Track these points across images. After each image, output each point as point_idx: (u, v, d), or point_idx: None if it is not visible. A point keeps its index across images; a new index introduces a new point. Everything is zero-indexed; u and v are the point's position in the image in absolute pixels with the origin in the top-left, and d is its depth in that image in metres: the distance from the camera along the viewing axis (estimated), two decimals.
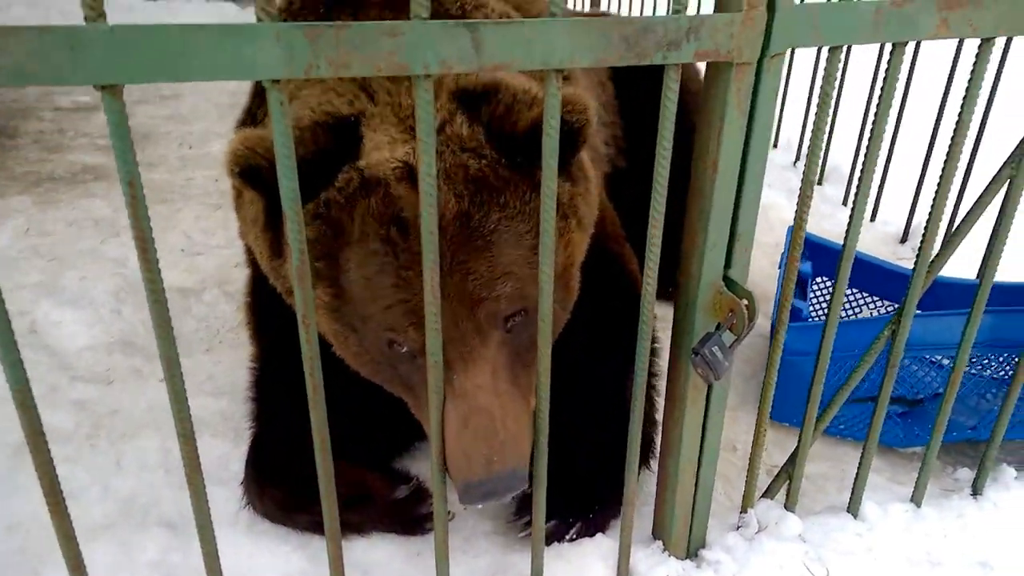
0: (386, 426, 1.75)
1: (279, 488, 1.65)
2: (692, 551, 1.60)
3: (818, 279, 2.57)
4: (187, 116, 4.79)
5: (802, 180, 1.34)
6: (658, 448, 1.60)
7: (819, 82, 3.88)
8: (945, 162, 1.42)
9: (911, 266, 1.55)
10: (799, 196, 1.35)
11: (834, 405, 1.68)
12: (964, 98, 1.37)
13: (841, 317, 1.79)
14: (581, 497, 1.67)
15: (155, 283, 1.01)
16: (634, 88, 2.54)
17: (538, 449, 1.29)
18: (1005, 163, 1.48)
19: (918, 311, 1.60)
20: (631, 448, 1.39)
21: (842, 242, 1.46)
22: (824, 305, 2.58)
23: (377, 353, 1.35)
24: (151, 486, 1.80)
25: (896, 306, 1.72)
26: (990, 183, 1.50)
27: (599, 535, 1.63)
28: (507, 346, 1.31)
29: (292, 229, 1.01)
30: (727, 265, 1.33)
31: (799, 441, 1.66)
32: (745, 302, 1.28)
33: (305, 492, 1.52)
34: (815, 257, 2.48)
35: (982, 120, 2.97)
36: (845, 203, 3.71)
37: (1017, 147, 1.47)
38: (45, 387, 2.16)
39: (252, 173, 1.20)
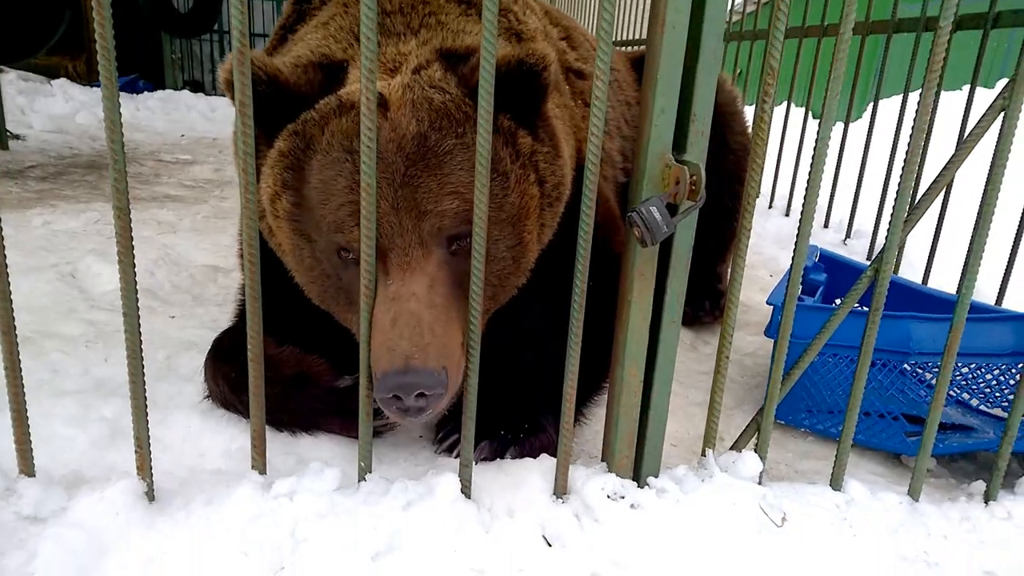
0: (337, 349, 1.73)
1: (229, 368, 1.67)
2: (639, 478, 1.49)
3: (837, 300, 2.47)
4: None
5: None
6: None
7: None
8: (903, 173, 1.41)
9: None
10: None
11: (810, 351, 1.58)
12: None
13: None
14: (518, 420, 1.61)
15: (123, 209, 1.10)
16: None
17: (471, 363, 1.32)
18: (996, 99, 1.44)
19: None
20: (571, 344, 1.35)
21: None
22: None
23: (327, 263, 1.42)
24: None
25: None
26: (978, 122, 1.46)
27: (543, 455, 1.54)
28: (448, 267, 1.36)
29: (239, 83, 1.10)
30: (681, 148, 1.34)
31: (768, 382, 1.56)
32: (692, 176, 1.27)
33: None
34: (832, 272, 2.40)
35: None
36: (870, 258, 3.68)
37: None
38: (65, 308, 2.35)
39: None
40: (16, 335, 1.24)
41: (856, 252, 4.03)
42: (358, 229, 1.30)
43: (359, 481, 1.41)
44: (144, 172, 5.15)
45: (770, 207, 4.79)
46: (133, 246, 1.23)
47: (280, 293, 1.65)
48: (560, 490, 1.44)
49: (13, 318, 1.22)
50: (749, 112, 2.40)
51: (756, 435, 1.59)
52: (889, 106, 4.26)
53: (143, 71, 10.93)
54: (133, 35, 10.77)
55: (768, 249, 4.14)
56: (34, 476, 1.28)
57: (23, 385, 1.24)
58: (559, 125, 1.56)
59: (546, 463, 1.50)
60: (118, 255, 1.22)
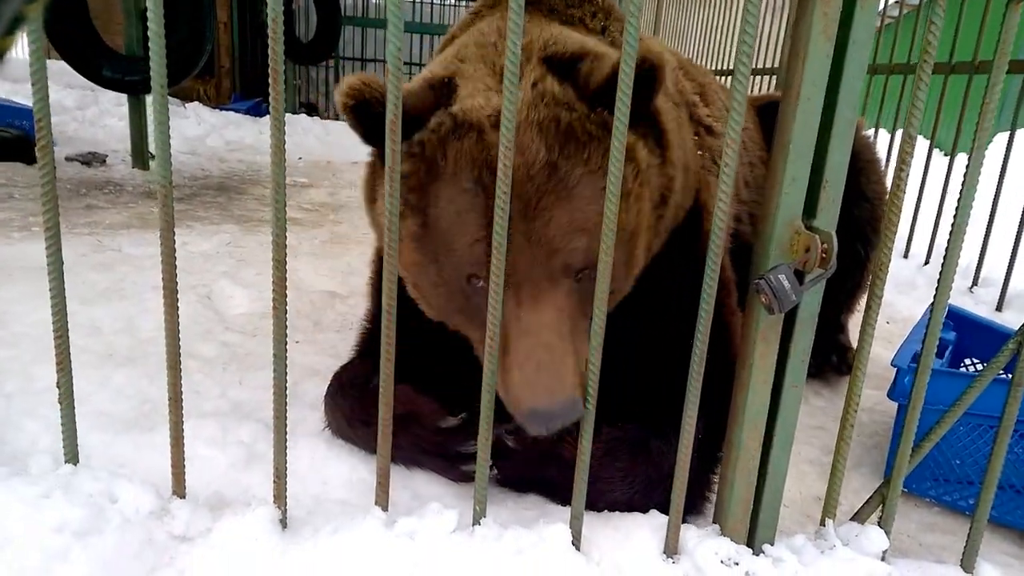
0: (453, 376, 1.76)
1: (347, 402, 1.76)
2: (754, 544, 1.46)
3: (966, 360, 2.34)
4: None
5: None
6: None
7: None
8: None
9: None
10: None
11: (944, 423, 1.51)
12: None
13: None
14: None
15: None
16: None
17: (589, 397, 1.34)
18: None
19: None
20: (689, 399, 1.35)
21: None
22: None
23: (454, 284, 1.44)
24: (260, 400, 2.00)
25: None
26: None
27: (653, 511, 1.54)
28: (574, 295, 1.38)
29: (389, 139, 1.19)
30: (811, 213, 1.32)
31: (896, 454, 1.50)
32: (823, 244, 1.26)
33: (368, 408, 1.63)
34: (962, 331, 2.28)
35: None
36: (1000, 308, 3.45)
37: None
38: (202, 329, 2.52)
39: (362, 108, 1.36)
40: (180, 368, 1.36)
41: (984, 301, 3.80)
42: (483, 245, 1.34)
43: (473, 525, 1.46)
44: (267, 195, 5.48)
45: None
46: (285, 311, 1.33)
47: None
48: (671, 550, 1.43)
49: (179, 355, 1.34)
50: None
51: (881, 507, 1.53)
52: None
53: (266, 95, 11.64)
54: (259, 63, 11.52)
55: (885, 293, 3.95)
56: (184, 497, 1.39)
57: (183, 413, 1.36)
58: (671, 127, 1.54)
59: (656, 519, 1.50)
60: (273, 312, 1.32)
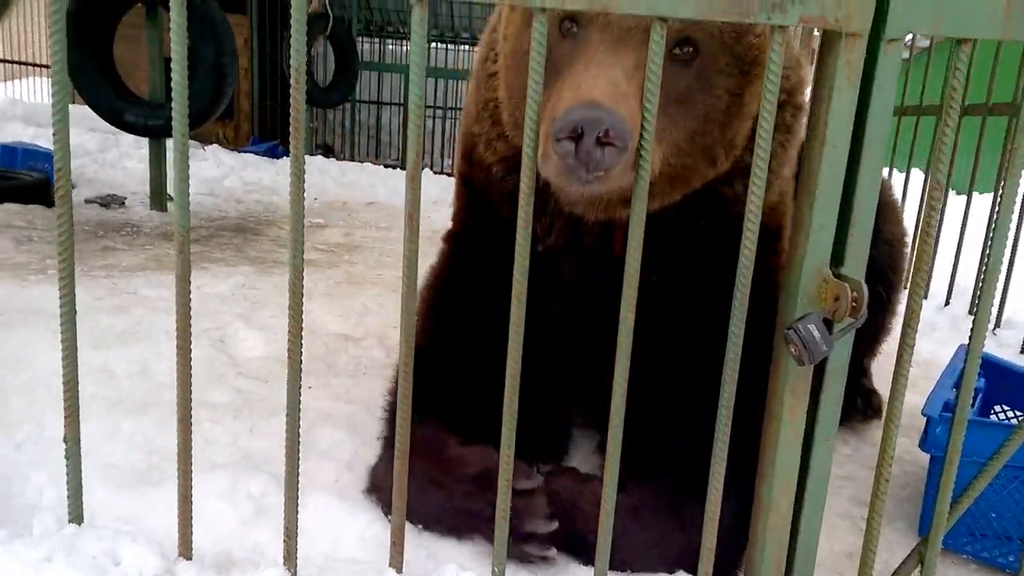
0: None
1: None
2: None
3: (996, 407, 2.26)
4: (388, 235, 5.88)
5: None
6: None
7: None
8: None
9: None
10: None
11: (984, 477, 1.44)
12: None
13: None
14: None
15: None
16: None
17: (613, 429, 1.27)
18: None
19: None
20: (716, 452, 1.30)
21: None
22: None
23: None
24: (272, 450, 1.95)
25: None
26: None
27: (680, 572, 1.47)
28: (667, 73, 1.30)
29: None
30: (839, 261, 1.28)
31: (933, 510, 1.43)
32: (853, 293, 1.21)
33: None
34: (991, 376, 2.21)
35: None
36: None
37: None
38: (215, 374, 2.50)
39: None
40: (191, 423, 1.33)
41: (1008, 344, 3.72)
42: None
43: None
44: (283, 236, 5.51)
45: (905, 286, 4.48)
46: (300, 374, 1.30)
47: (462, 379, 1.68)
48: None
49: (191, 413, 1.31)
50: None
51: (919, 568, 1.45)
52: None
53: (283, 138, 11.84)
54: (278, 107, 11.74)
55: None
56: (191, 559, 1.35)
57: (192, 470, 1.32)
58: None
59: None
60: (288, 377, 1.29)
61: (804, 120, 1.63)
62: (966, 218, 4.06)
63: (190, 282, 1.28)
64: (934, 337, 3.81)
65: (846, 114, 1.20)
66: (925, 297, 4.35)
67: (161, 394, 2.27)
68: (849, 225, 1.26)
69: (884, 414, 1.41)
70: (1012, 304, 3.78)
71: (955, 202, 4.52)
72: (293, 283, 1.24)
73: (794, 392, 1.33)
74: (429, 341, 1.80)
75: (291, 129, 1.20)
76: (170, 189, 6.46)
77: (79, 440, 1.32)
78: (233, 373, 2.53)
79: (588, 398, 1.91)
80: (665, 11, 1.13)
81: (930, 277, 4.35)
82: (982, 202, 4.24)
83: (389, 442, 1.79)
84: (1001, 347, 3.66)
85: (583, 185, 1.28)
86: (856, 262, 1.28)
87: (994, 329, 3.82)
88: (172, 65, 1.18)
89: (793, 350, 1.23)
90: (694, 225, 1.66)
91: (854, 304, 1.22)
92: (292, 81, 1.17)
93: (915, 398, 3.05)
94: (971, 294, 4.03)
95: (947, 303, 4.20)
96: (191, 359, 1.31)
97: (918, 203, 4.35)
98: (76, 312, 1.33)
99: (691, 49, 1.41)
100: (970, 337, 1.40)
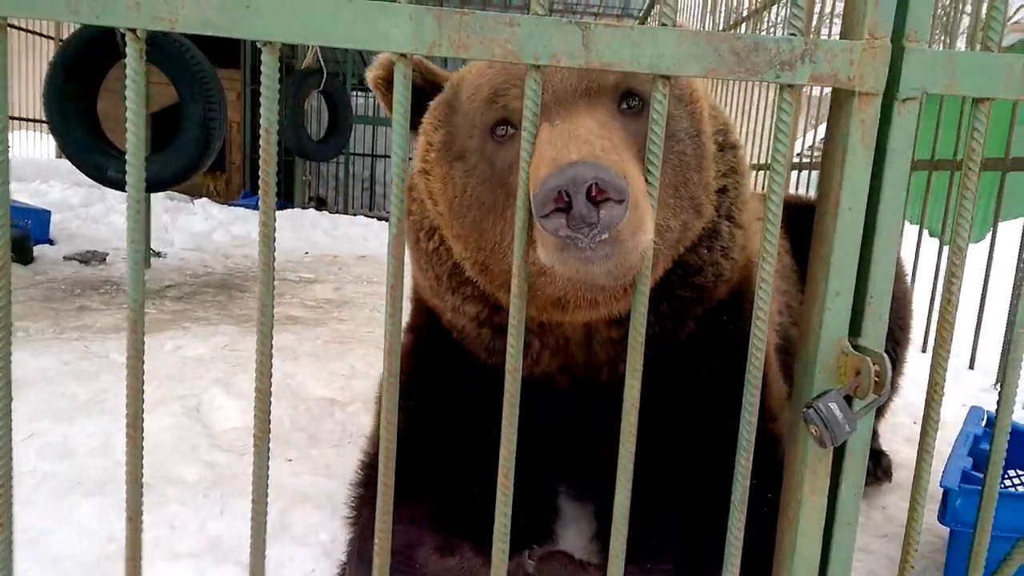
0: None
1: None
2: None
3: (1010, 472, 2.14)
4: (379, 289, 5.66)
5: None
6: None
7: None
8: None
9: None
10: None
11: (1017, 556, 1.32)
12: None
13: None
14: None
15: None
16: None
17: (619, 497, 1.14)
18: None
19: None
20: (734, 516, 1.17)
21: None
22: None
23: (481, 162, 1.38)
24: (240, 535, 1.80)
25: None
26: None
27: None
28: (618, 122, 1.26)
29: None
30: (857, 332, 1.18)
31: None
32: (875, 366, 1.11)
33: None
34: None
35: None
36: None
37: None
38: (187, 447, 2.35)
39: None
40: (142, 515, 1.19)
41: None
42: (514, 89, 1.31)
43: None
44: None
45: (924, 349, 4.35)
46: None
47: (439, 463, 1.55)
48: None
49: (142, 513, 1.18)
50: None
51: None
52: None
53: (277, 190, 11.82)
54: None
55: (908, 391, 3.74)
56: None
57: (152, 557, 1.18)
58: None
59: None
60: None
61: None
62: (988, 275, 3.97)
63: (143, 362, 1.15)
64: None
65: (861, 176, 1.11)
66: (924, 351, 4.26)
67: (122, 472, 2.11)
68: (866, 292, 1.17)
69: (908, 497, 1.29)
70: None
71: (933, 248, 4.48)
72: (260, 370, 1.12)
73: (814, 473, 1.21)
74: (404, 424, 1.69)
75: (260, 194, 1.10)
76: (154, 244, 6.37)
77: (11, 553, 1.17)
78: (207, 445, 2.38)
79: (573, 466, 1.80)
80: (668, 70, 1.05)
81: (927, 329, 4.27)
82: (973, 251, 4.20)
83: (356, 534, 1.61)
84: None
85: (590, 259, 1.07)
86: (876, 333, 1.18)
87: (996, 383, 3.71)
88: (127, 126, 1.08)
89: (814, 431, 1.12)
90: (672, 302, 1.57)
91: (877, 379, 1.12)
92: (262, 143, 1.07)
93: None
94: (971, 346, 3.94)
95: (924, 350, 4.12)
96: (142, 448, 1.17)
97: (915, 257, 4.30)
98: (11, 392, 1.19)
99: (637, 100, 1.36)
100: (996, 411, 1.30)
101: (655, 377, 1.43)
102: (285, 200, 11.54)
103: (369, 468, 1.74)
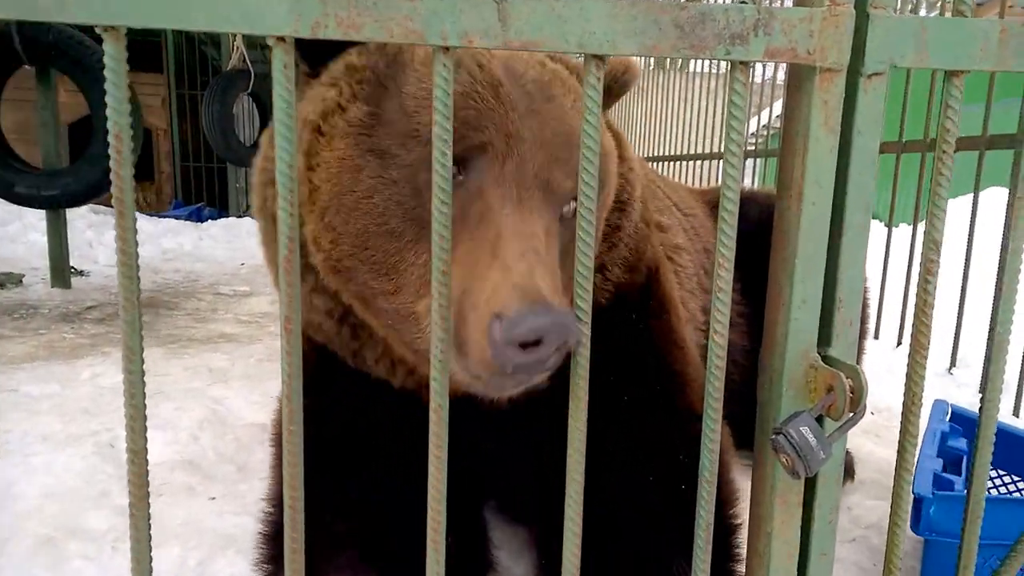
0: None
1: None
2: None
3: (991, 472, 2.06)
4: None
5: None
6: None
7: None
8: None
9: None
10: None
11: (1013, 563, 1.21)
12: None
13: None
14: None
15: (128, 247, 0.90)
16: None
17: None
18: None
19: None
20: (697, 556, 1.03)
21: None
22: None
23: (406, 184, 1.17)
24: None
25: None
26: None
27: None
28: (556, 233, 1.22)
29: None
30: (826, 342, 1.04)
31: None
32: (850, 381, 0.97)
33: None
34: (971, 435, 2.00)
35: None
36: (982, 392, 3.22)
37: None
38: (96, 492, 2.11)
39: None
40: None
41: (965, 384, 3.58)
42: (480, 134, 1.15)
43: None
44: (201, 308, 5.09)
45: (875, 336, 4.28)
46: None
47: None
48: None
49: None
50: None
51: None
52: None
53: (209, 199, 11.36)
54: (202, 168, 11.29)
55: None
56: None
57: None
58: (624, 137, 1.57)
59: None
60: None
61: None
62: (912, 252, 3.95)
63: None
64: (891, 382, 3.64)
65: (827, 164, 0.97)
66: (876, 338, 4.23)
67: (23, 525, 1.88)
68: (835, 298, 1.03)
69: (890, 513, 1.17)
70: (965, 345, 3.66)
71: (902, 234, 4.47)
72: (131, 425, 0.93)
73: (785, 503, 1.08)
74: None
75: (116, 217, 0.90)
76: (76, 262, 5.98)
77: None
78: (119, 488, 2.13)
79: (496, 479, 1.66)
80: (600, 48, 0.89)
81: (880, 316, 4.24)
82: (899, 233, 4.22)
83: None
84: (960, 387, 3.53)
85: (517, 384, 1.08)
86: (847, 342, 1.05)
87: (950, 369, 3.69)
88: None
89: (785, 460, 0.97)
90: None
91: (851, 395, 0.99)
92: (112, 152, 0.88)
93: (881, 450, 2.88)
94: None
95: (899, 344, 4.07)
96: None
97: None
98: None
99: (572, 212, 1.25)
100: (979, 416, 1.18)
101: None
102: (220, 209, 11.11)
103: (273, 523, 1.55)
